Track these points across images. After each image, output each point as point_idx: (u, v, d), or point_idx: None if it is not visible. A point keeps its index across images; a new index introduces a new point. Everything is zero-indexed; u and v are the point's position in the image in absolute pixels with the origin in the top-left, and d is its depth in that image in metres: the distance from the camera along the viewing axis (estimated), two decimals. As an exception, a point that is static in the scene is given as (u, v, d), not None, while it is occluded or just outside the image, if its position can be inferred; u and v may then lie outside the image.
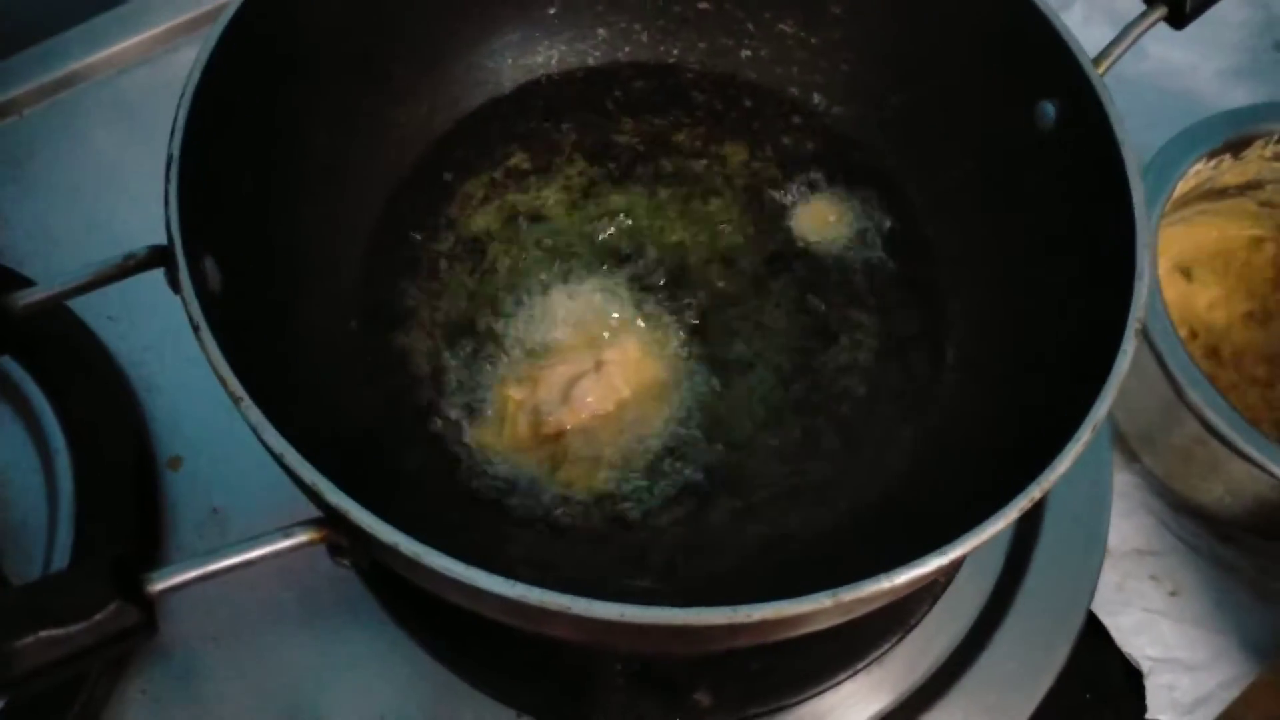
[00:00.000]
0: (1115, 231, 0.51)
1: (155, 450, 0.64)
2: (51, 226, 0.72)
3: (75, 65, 0.77)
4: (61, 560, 0.58)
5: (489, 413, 0.58)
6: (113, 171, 0.74)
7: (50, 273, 0.68)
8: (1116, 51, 0.56)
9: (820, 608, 0.40)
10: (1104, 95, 0.54)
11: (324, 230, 0.60)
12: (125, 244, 0.68)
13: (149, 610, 0.38)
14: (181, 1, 0.80)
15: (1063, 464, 0.44)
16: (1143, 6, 0.59)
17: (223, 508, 0.62)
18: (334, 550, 0.42)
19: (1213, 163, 0.75)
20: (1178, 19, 0.58)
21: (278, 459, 0.42)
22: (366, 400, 0.57)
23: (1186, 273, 0.81)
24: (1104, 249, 0.52)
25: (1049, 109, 0.58)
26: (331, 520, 0.41)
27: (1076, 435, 0.45)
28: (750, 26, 0.70)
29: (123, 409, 0.64)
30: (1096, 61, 0.56)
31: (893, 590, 0.41)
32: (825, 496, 0.56)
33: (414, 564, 0.40)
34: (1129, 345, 0.47)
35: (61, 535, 0.59)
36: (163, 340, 0.67)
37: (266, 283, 0.54)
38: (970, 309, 0.62)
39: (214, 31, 0.51)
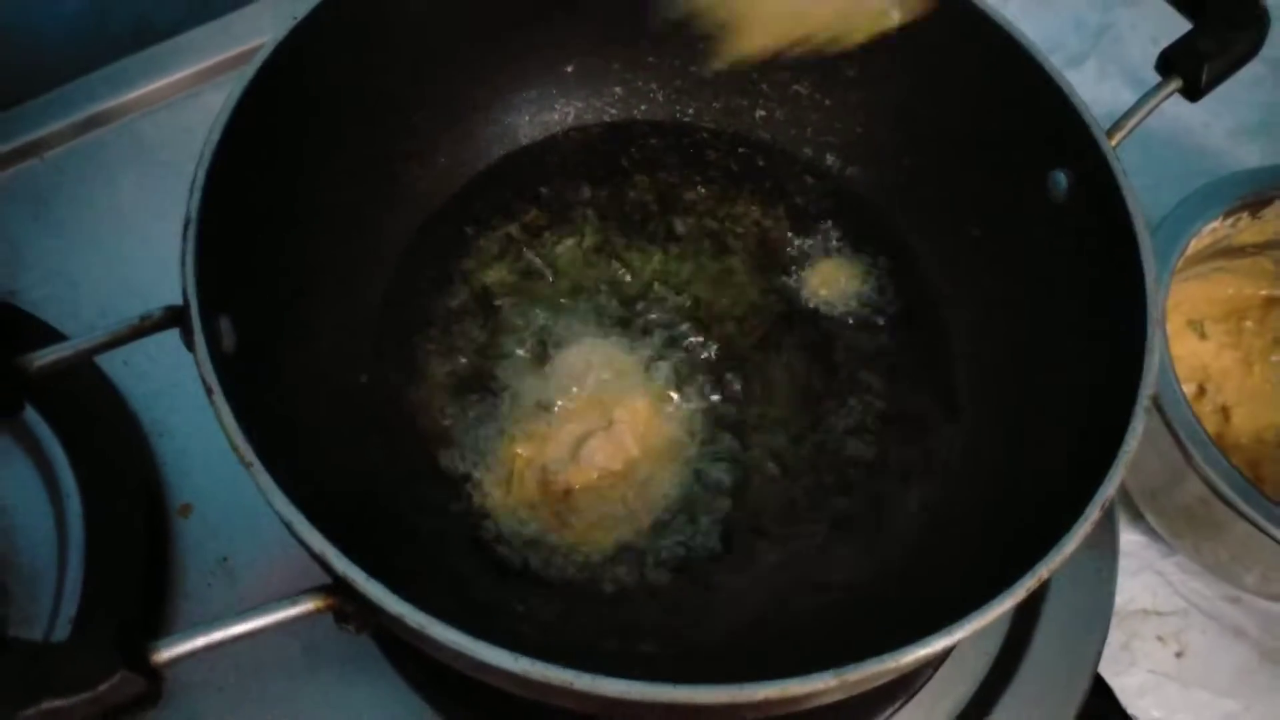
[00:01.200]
0: (1126, 307, 0.51)
1: (166, 497, 0.64)
2: (71, 269, 0.72)
3: (98, 108, 0.78)
4: (70, 607, 0.58)
5: (497, 469, 0.58)
6: (134, 215, 0.75)
7: (68, 316, 0.69)
8: (1130, 124, 0.57)
9: (824, 687, 0.40)
10: (1117, 169, 0.54)
11: (339, 285, 0.60)
12: (145, 289, 0.70)
13: (153, 679, 0.38)
14: (206, 46, 0.81)
15: (1070, 544, 0.44)
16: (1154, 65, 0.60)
17: (232, 557, 0.62)
18: (340, 617, 0.43)
19: (1229, 221, 0.75)
20: (1193, 93, 0.58)
21: (287, 525, 0.42)
22: (375, 455, 0.58)
23: (1199, 328, 0.81)
24: (1114, 322, 0.53)
25: (1061, 179, 0.58)
26: (338, 586, 0.41)
27: (1084, 515, 0.45)
28: (765, 87, 0.71)
29: (135, 455, 0.64)
30: (1110, 133, 0.56)
31: (897, 669, 0.41)
32: (831, 563, 0.56)
33: (420, 634, 0.40)
34: (1138, 424, 0.47)
35: (70, 580, 0.59)
36: (176, 385, 0.67)
37: (280, 338, 0.54)
38: (979, 375, 0.62)
39: (234, 90, 0.52)
